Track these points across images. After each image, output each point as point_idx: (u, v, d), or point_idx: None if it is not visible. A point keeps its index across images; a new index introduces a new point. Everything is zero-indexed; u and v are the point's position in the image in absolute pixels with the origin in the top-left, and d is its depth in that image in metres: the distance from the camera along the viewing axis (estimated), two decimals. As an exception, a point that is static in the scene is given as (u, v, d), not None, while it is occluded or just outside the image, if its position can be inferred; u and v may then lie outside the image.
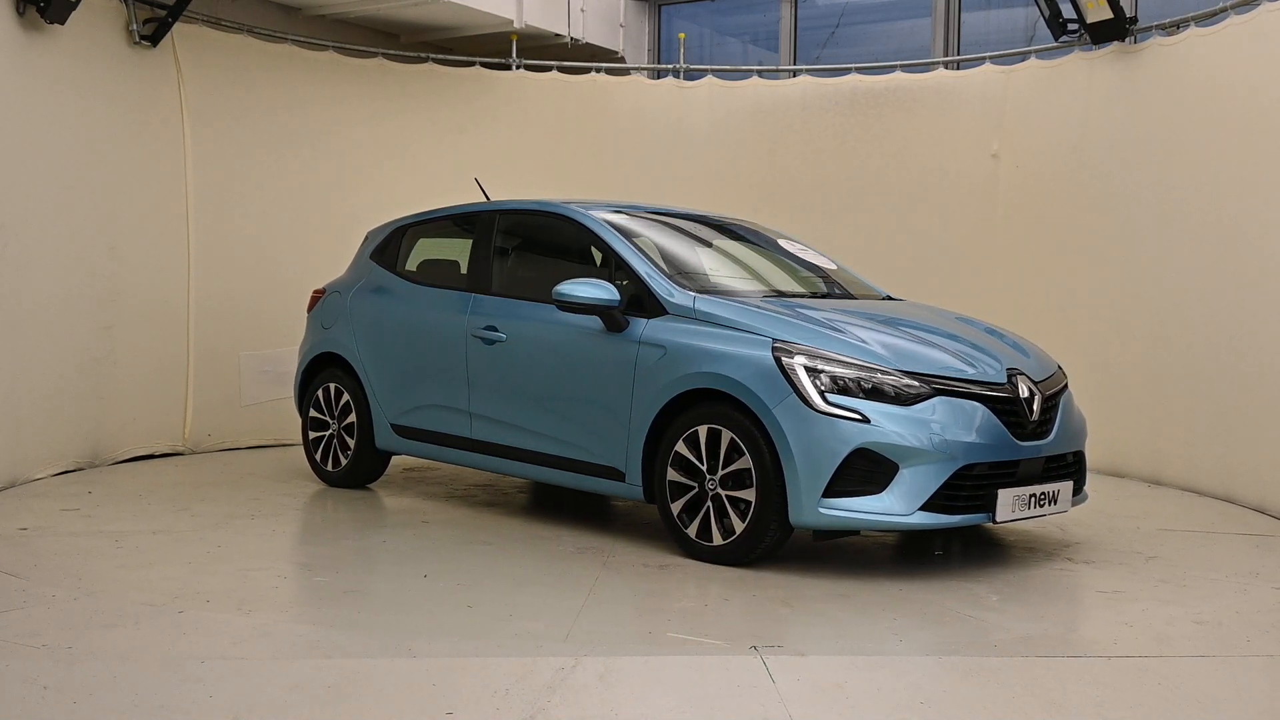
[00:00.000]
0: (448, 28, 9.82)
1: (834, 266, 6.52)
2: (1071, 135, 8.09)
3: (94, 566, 5.05)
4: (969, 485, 4.98)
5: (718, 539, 5.18)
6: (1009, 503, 5.05)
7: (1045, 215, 8.26)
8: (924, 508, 4.89)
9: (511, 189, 8.57)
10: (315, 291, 7.47)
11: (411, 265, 7.00)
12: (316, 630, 4.19)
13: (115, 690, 3.54)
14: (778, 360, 5.04)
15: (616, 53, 10.67)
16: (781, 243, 6.60)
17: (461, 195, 8.87)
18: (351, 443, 6.90)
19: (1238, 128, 6.84)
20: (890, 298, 6.40)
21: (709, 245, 6.40)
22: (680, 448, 5.29)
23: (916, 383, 5.00)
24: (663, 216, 6.54)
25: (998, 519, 5.03)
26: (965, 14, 9.85)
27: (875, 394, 4.95)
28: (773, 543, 5.10)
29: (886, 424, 4.88)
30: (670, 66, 9.89)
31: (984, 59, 8.74)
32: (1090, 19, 7.78)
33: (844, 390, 4.95)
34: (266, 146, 8.48)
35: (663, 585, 4.93)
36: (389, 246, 7.15)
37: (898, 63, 9.14)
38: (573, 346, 5.78)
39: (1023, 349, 5.69)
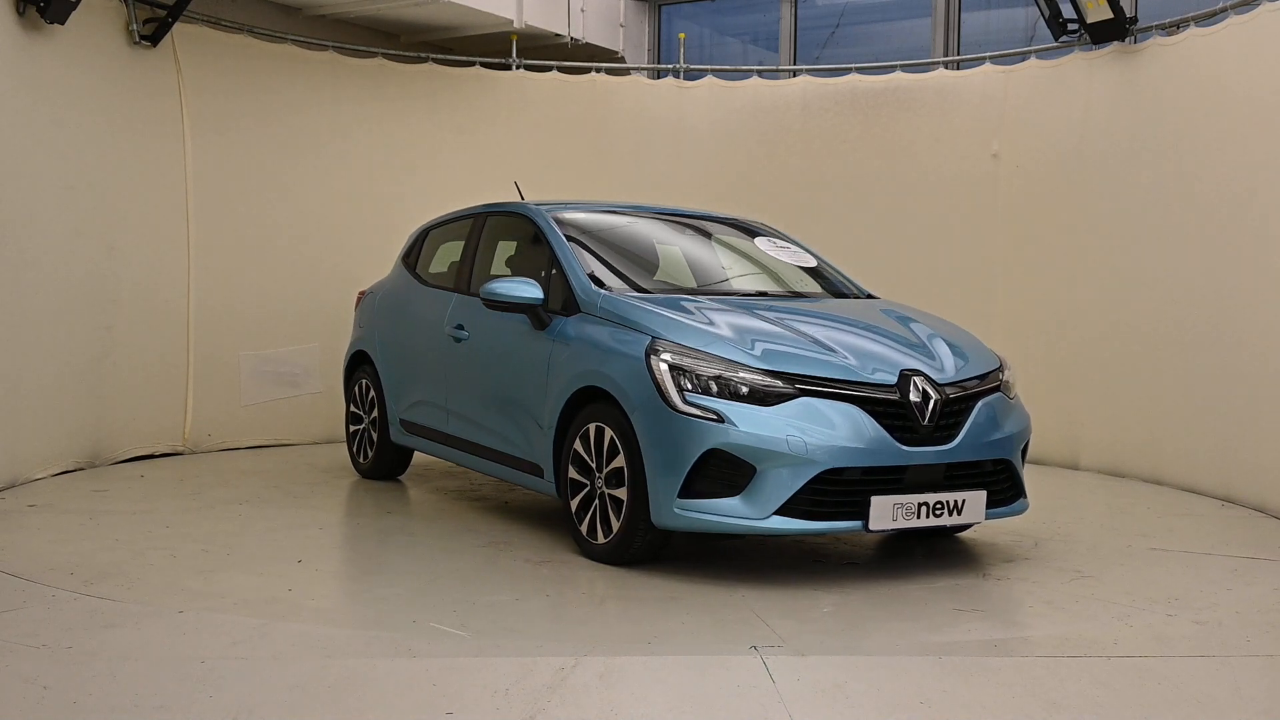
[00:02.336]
0: (448, 28, 9.82)
1: (813, 263, 6.41)
2: (1071, 135, 8.09)
3: (25, 539, 5.51)
4: (838, 491, 4.77)
5: (600, 537, 5.20)
6: (887, 511, 4.79)
7: (1045, 215, 8.27)
8: (782, 512, 4.71)
9: (511, 189, 8.57)
10: (360, 292, 7.75)
11: (427, 266, 7.15)
12: (316, 630, 4.19)
13: (115, 690, 3.54)
14: (647, 359, 4.99)
15: (616, 53, 10.67)
16: (759, 240, 6.49)
17: (465, 195, 8.90)
18: (376, 437, 7.22)
19: (1237, 127, 6.84)
20: (870, 296, 6.29)
21: (671, 244, 6.39)
22: (577, 445, 5.30)
23: (780, 382, 4.83)
24: (638, 215, 6.54)
25: (871, 528, 4.79)
26: (965, 14, 9.85)
27: (735, 394, 4.81)
28: (646, 543, 5.04)
29: (743, 425, 4.72)
30: (670, 66, 9.89)
31: (984, 59, 8.74)
32: (1090, 19, 7.78)
33: (705, 390, 4.84)
34: (266, 146, 8.48)
35: (508, 580, 4.95)
36: (413, 249, 7.37)
37: (898, 63, 9.14)
38: (510, 344, 5.88)
39: (944, 348, 5.33)
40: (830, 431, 4.76)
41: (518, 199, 7.18)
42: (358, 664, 3.83)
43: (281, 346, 8.59)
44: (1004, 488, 5.24)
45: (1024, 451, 5.43)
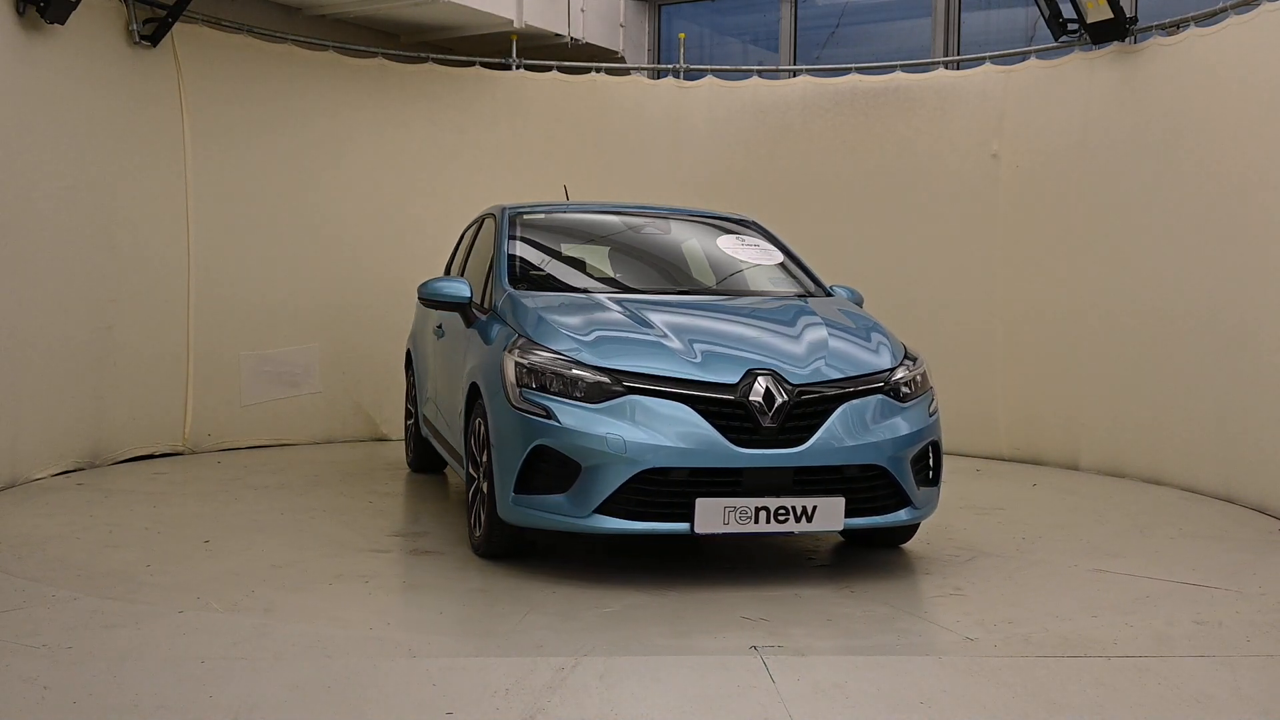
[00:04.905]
0: (448, 28, 9.81)
1: (776, 261, 6.27)
2: (1071, 135, 8.09)
3: (13, 511, 6.09)
4: (666, 492, 4.68)
5: (477, 531, 5.29)
6: (716, 514, 4.65)
7: (1045, 215, 8.26)
8: (603, 511, 4.67)
9: (511, 190, 8.58)
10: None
11: (457, 268, 7.31)
12: (316, 630, 4.19)
13: (115, 690, 3.54)
14: (502, 355, 5.07)
15: (616, 53, 10.67)
16: (723, 239, 6.40)
17: (465, 195, 8.91)
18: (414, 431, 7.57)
19: (1237, 127, 6.84)
20: (829, 293, 6.09)
21: (622, 245, 6.43)
22: (471, 441, 5.42)
23: (608, 380, 4.78)
24: (616, 215, 6.58)
25: (697, 530, 4.66)
26: (965, 14, 9.85)
27: (566, 391, 4.80)
28: (504, 538, 5.11)
29: (567, 422, 4.72)
30: (670, 66, 9.88)
31: (984, 59, 8.73)
32: (1090, 19, 7.78)
33: (541, 387, 4.85)
34: (266, 146, 8.47)
35: (363, 568, 5.13)
36: (454, 250, 7.55)
37: (898, 63, 9.14)
38: (454, 342, 6.07)
39: (818, 346, 5.09)
40: (653, 431, 4.69)
41: (564, 200, 7.36)
42: (358, 664, 3.83)
43: (281, 346, 8.59)
44: (881, 495, 4.95)
45: (929, 458, 5.17)
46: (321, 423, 8.79)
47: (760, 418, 4.75)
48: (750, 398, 4.77)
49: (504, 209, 6.43)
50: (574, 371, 4.83)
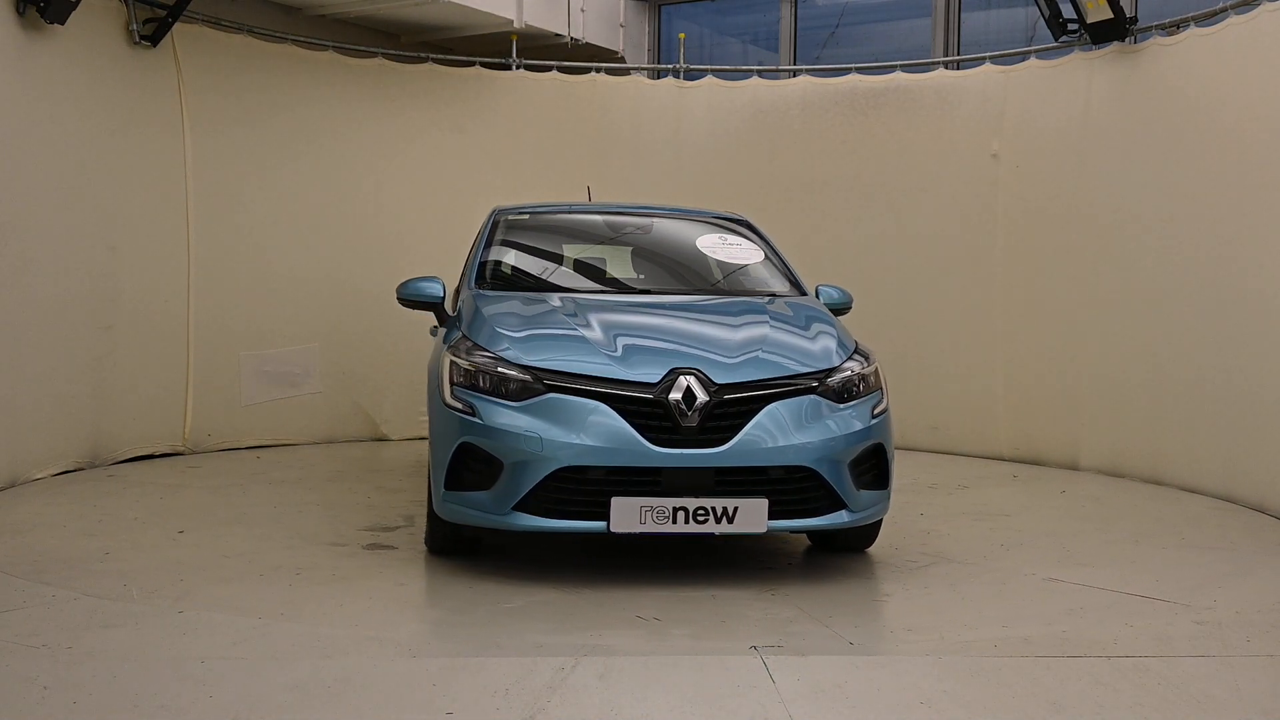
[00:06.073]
0: (448, 28, 9.81)
1: (756, 260, 6.19)
2: (1071, 135, 8.09)
3: (33, 496, 6.47)
4: (584, 490, 4.69)
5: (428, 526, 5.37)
6: (632, 513, 4.63)
7: (1045, 215, 8.26)
8: (522, 509, 4.70)
9: (511, 189, 8.58)
10: None
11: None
12: (316, 630, 4.19)
13: (115, 690, 3.55)
14: (442, 353, 5.15)
15: (616, 53, 10.67)
16: (703, 238, 6.35)
17: (465, 195, 8.91)
18: None
19: (1237, 127, 6.84)
20: (805, 292, 6.01)
21: (599, 245, 6.49)
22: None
23: (530, 378, 4.80)
24: (604, 214, 6.63)
25: (613, 529, 4.65)
26: (965, 14, 9.85)
27: (492, 389, 4.84)
28: (445, 534, 5.17)
29: (488, 420, 4.76)
30: (670, 66, 9.88)
31: (984, 59, 8.73)
32: (1090, 19, 7.78)
33: (472, 385, 4.90)
34: (266, 146, 8.48)
35: (311, 563, 5.16)
36: None
37: (898, 63, 9.14)
38: (436, 340, 6.12)
39: (752, 345, 5.00)
40: (570, 429, 4.68)
41: (588, 200, 7.36)
42: (357, 664, 3.83)
43: (281, 346, 8.59)
44: (812, 498, 4.84)
45: (872, 460, 5.00)
46: (321, 423, 8.79)
47: (680, 417, 4.70)
48: (670, 396, 4.72)
49: (495, 210, 6.47)
50: (500, 370, 4.87)
